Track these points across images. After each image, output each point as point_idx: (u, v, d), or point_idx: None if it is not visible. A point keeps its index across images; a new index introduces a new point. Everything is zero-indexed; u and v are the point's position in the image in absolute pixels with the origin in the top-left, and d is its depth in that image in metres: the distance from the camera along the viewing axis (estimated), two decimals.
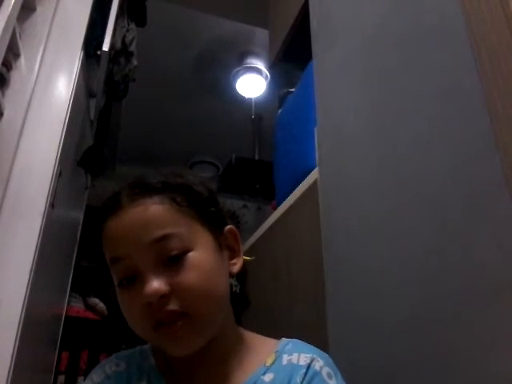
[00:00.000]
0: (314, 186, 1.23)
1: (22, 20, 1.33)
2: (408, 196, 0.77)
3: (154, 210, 0.53)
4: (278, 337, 0.61)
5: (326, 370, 0.54)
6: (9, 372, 1.02)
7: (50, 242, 1.32)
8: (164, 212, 0.53)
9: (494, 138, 0.58)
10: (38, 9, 1.41)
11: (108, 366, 0.59)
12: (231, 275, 0.58)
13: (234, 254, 0.60)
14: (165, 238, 0.52)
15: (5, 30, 1.08)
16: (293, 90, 1.71)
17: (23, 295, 1.09)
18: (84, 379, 0.59)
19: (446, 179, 0.68)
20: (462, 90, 0.66)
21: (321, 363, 0.54)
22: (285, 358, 0.56)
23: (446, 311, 0.65)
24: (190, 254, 0.52)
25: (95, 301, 2.49)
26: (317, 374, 0.53)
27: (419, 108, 0.77)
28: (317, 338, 1.01)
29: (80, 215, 2.21)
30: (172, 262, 0.51)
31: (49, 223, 1.23)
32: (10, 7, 1.12)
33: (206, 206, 0.57)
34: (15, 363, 1.03)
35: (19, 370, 1.07)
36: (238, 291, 0.64)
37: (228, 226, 0.60)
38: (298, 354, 0.55)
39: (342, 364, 0.80)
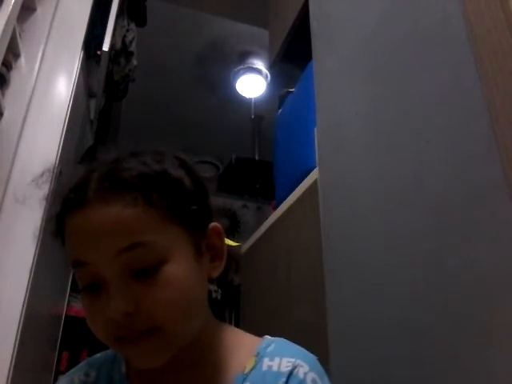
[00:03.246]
0: (314, 186, 1.23)
1: (21, 20, 1.33)
2: (408, 196, 0.77)
3: (124, 214, 0.44)
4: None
5: (310, 377, 0.48)
6: (9, 372, 1.02)
7: (50, 241, 1.32)
8: (136, 216, 0.45)
9: (494, 138, 0.58)
10: (38, 9, 1.41)
11: (77, 375, 0.55)
12: (211, 280, 0.52)
13: (216, 255, 0.52)
14: (134, 247, 0.44)
15: (5, 30, 1.08)
16: (293, 89, 1.71)
17: (23, 295, 1.09)
18: None
19: (446, 179, 0.68)
20: (462, 89, 0.66)
21: (305, 369, 0.48)
22: (265, 363, 0.50)
23: (446, 311, 0.64)
24: (164, 268, 0.45)
25: None
26: (300, 382, 0.47)
27: (419, 108, 0.77)
28: (317, 338, 1.01)
29: None
30: (141, 275, 0.45)
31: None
32: (10, 7, 1.12)
33: (186, 203, 0.49)
34: (15, 363, 1.03)
35: (19, 370, 1.06)
36: (218, 297, 0.56)
37: (212, 224, 0.52)
38: (280, 359, 0.49)
39: (341, 364, 0.80)
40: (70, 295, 2.12)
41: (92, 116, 1.89)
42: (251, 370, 0.49)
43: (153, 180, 0.47)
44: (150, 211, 0.46)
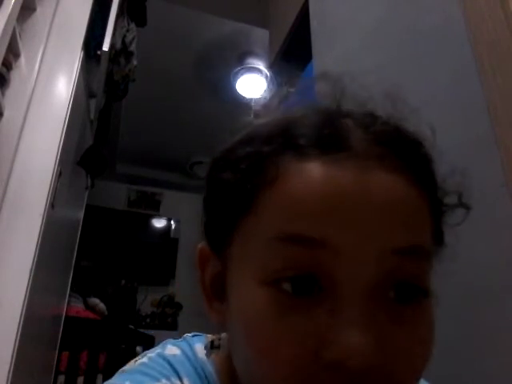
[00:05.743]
0: None
1: (22, 20, 1.33)
2: None
3: (412, 193, 0.28)
4: None
5: None
6: (9, 372, 1.02)
7: (50, 241, 1.32)
8: (420, 204, 0.29)
9: (494, 138, 0.58)
10: (38, 9, 1.41)
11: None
12: None
13: None
14: (415, 253, 0.28)
15: (5, 30, 1.08)
16: (293, 89, 1.71)
17: (23, 295, 1.09)
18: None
19: (446, 179, 0.68)
20: (462, 90, 0.66)
21: None
22: None
23: (446, 312, 0.64)
24: (427, 303, 0.30)
25: (95, 301, 2.49)
26: None
27: (419, 108, 0.77)
28: None
29: (80, 215, 2.21)
30: (400, 301, 0.28)
31: (49, 223, 1.23)
32: (10, 7, 1.12)
33: (440, 209, 0.33)
34: (15, 363, 1.03)
35: (19, 370, 1.07)
36: None
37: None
38: None
39: None
40: (70, 295, 2.12)
41: (92, 116, 1.89)
42: None
43: (425, 154, 0.33)
44: (425, 203, 0.29)
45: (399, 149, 0.30)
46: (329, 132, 0.29)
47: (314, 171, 0.27)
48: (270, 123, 0.32)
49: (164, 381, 0.33)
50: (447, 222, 0.33)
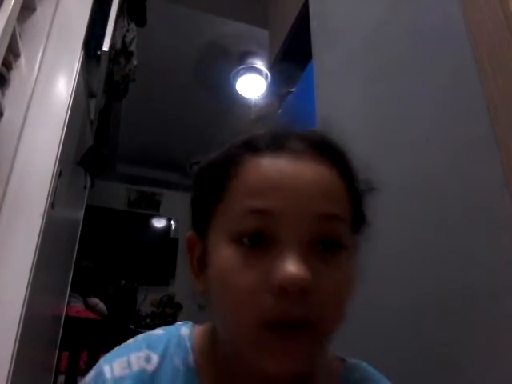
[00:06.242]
0: None
1: (22, 20, 1.33)
2: (408, 196, 0.77)
3: (333, 178, 0.41)
4: None
5: None
6: (9, 372, 1.02)
7: (50, 241, 1.33)
8: (340, 188, 0.41)
9: (494, 138, 0.58)
10: (38, 9, 1.41)
11: (135, 356, 0.44)
12: None
13: None
14: (334, 218, 0.39)
15: (5, 30, 1.08)
16: (293, 89, 1.71)
17: (23, 295, 1.09)
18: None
19: (446, 179, 0.68)
20: (462, 90, 0.66)
21: None
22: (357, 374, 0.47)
23: (446, 312, 0.64)
24: (344, 254, 0.39)
25: (95, 301, 2.49)
26: None
27: (419, 108, 0.77)
28: None
29: (80, 215, 2.21)
30: (324, 250, 0.38)
31: (49, 223, 1.24)
32: (10, 7, 1.12)
33: (358, 195, 0.45)
34: (15, 363, 1.03)
35: (19, 370, 1.07)
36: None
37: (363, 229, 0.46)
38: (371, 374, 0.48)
39: None
40: (69, 295, 2.12)
41: (92, 116, 1.89)
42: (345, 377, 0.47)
43: (343, 154, 0.44)
44: (346, 191, 0.42)
45: (326, 151, 0.42)
46: (276, 139, 0.42)
47: (262, 163, 0.40)
48: (237, 138, 0.44)
49: (133, 354, 0.44)
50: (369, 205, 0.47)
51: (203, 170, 0.46)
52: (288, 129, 0.44)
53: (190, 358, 0.45)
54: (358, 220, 0.44)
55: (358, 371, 0.49)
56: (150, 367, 0.43)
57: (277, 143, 0.41)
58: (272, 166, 0.40)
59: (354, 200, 0.43)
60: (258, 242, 0.38)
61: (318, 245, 0.38)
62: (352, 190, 0.43)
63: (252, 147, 0.41)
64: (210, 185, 0.43)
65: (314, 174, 0.39)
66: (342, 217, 0.40)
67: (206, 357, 0.45)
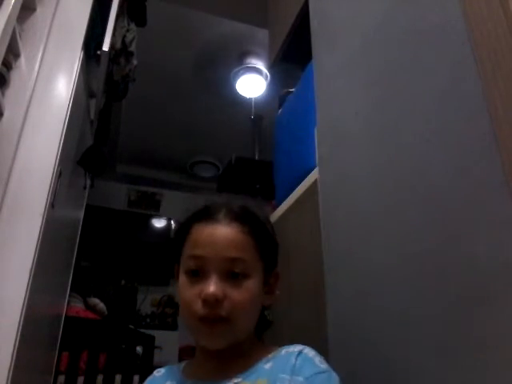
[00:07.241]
0: (314, 186, 1.23)
1: (22, 20, 1.33)
2: (408, 196, 0.77)
3: (239, 236, 0.68)
4: (277, 337, 0.62)
5: (318, 358, 0.65)
6: (9, 372, 1.02)
7: (50, 241, 1.33)
8: (244, 240, 0.68)
9: (494, 138, 0.58)
10: (38, 9, 1.41)
11: (155, 371, 0.79)
12: (264, 306, 0.73)
13: (270, 291, 0.73)
14: (238, 259, 0.66)
15: (5, 30, 1.08)
16: (293, 90, 1.71)
17: (23, 295, 1.09)
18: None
19: (446, 179, 0.68)
20: (462, 90, 0.66)
21: (313, 353, 0.65)
22: (284, 351, 0.67)
23: (446, 312, 0.65)
24: (247, 280, 0.66)
25: (95, 301, 2.49)
26: (308, 358, 0.64)
27: (419, 108, 0.77)
28: (317, 338, 1.01)
29: (80, 215, 2.21)
30: (233, 278, 0.65)
31: (49, 223, 1.24)
32: (10, 7, 1.12)
33: (270, 248, 0.73)
34: (15, 363, 1.03)
35: (19, 370, 1.07)
36: (270, 319, 0.80)
37: (276, 269, 0.75)
38: (295, 346, 0.67)
39: (342, 365, 0.80)
40: (69, 295, 2.12)
41: (92, 116, 1.89)
42: (273, 356, 0.67)
43: (257, 221, 0.71)
44: (251, 241, 0.69)
45: (242, 218, 0.70)
46: (210, 213, 0.70)
47: (199, 228, 0.69)
48: (191, 212, 0.73)
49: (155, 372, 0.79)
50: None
51: (174, 232, 0.75)
52: (222, 205, 0.71)
53: (181, 367, 0.76)
54: (266, 258, 0.71)
55: (286, 349, 0.67)
56: (159, 374, 0.77)
57: (210, 215, 0.69)
58: (204, 230, 0.68)
59: (261, 247, 0.70)
60: (196, 273, 0.66)
61: (229, 275, 0.65)
62: (260, 242, 0.70)
63: (196, 218, 0.70)
64: (177, 241, 0.72)
65: (227, 234, 0.67)
66: (244, 259, 0.67)
67: (189, 368, 0.74)
